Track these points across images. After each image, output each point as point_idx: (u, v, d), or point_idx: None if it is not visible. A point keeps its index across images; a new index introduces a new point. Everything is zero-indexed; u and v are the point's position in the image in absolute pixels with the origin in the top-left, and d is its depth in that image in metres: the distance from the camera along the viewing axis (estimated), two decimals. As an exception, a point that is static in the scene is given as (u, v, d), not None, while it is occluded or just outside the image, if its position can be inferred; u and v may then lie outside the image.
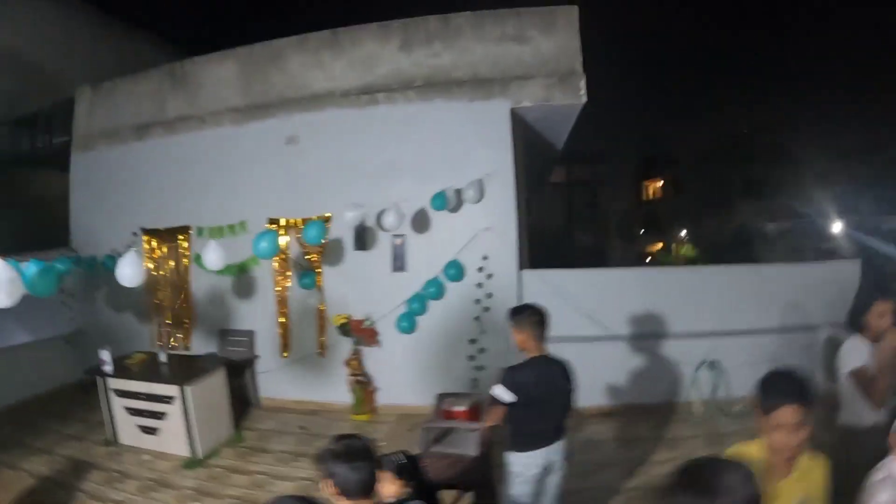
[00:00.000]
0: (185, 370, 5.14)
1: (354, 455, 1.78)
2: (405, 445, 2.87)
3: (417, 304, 5.65)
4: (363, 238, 5.76)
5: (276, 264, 6.17)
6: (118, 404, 5.12)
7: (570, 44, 5.64)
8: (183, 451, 4.80)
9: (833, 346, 3.01)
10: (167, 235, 6.70)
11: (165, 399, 4.84)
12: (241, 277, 6.35)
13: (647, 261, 27.03)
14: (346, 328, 5.79)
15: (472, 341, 5.67)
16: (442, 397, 4.15)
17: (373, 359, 5.91)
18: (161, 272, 6.79)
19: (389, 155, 5.76)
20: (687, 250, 22.57)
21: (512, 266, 5.60)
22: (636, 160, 31.38)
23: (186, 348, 6.60)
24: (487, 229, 5.53)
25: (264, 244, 4.51)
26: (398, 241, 5.80)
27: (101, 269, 5.93)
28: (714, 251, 20.59)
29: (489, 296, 5.61)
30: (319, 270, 6.07)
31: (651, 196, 32.05)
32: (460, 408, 3.86)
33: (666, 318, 5.57)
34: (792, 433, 1.67)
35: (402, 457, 2.24)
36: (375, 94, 5.87)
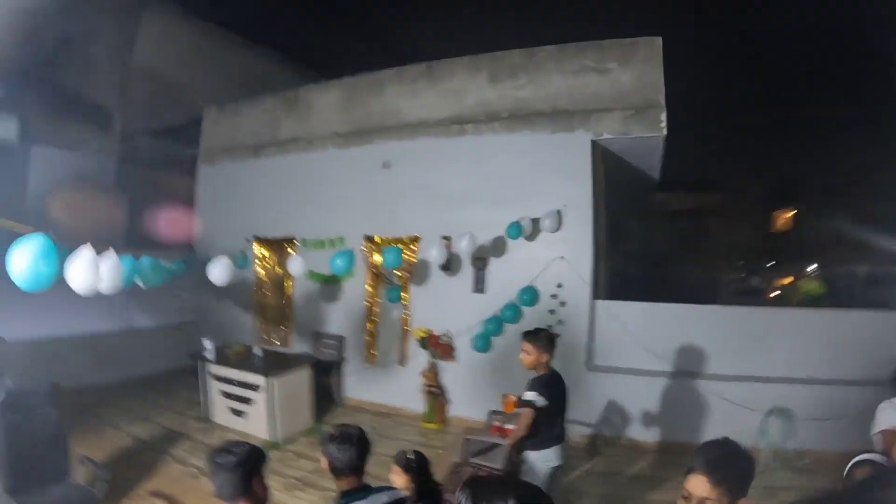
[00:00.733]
0: (275, 364, 5.94)
1: (345, 439, 2.25)
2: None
3: (493, 326, 6.07)
4: (447, 261, 6.32)
5: (368, 277, 6.87)
6: (214, 387, 6.06)
7: (651, 76, 5.73)
8: (264, 434, 5.57)
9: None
10: (275, 244, 7.62)
11: (254, 387, 5.66)
12: (336, 287, 7.12)
13: (774, 296, 25.33)
14: (425, 342, 6.34)
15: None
16: (493, 414, 4.55)
17: (448, 372, 6.41)
18: (268, 276, 7.75)
19: (474, 182, 6.23)
20: (814, 287, 20.98)
21: (585, 296, 5.85)
22: (756, 189, 29.32)
23: (285, 346, 7.49)
24: (562, 258, 5.83)
25: (339, 262, 5.21)
26: (479, 264, 6.27)
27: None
28: (844, 290, 19.01)
29: (560, 322, 5.89)
30: (406, 286, 6.69)
31: (778, 227, 29.88)
32: (508, 426, 4.24)
33: (735, 358, 5.58)
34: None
35: (412, 455, 2.64)
36: (464, 124, 6.39)
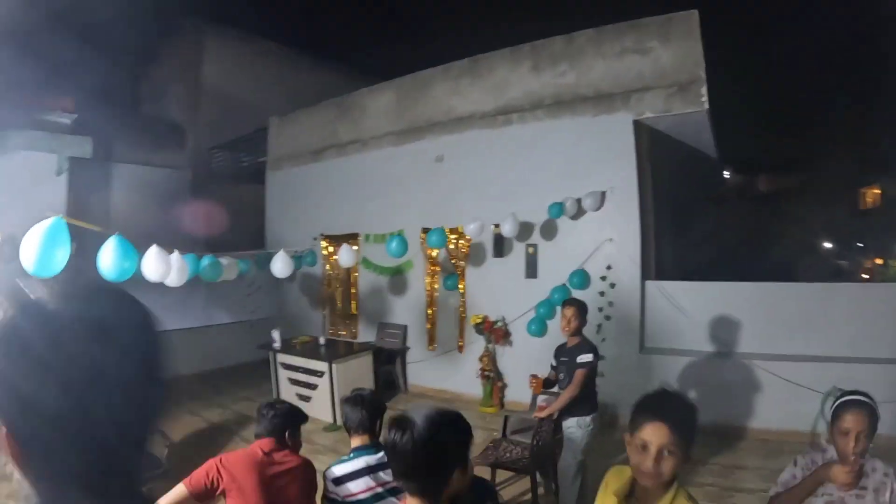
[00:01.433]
0: (337, 352, 6.51)
1: (356, 401, 2.60)
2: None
3: (545, 309, 6.35)
4: (500, 246, 6.71)
5: (427, 267, 7.35)
6: (283, 375, 6.69)
7: (689, 51, 5.77)
8: (327, 417, 6.11)
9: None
10: (340, 240, 8.24)
11: (318, 373, 6.24)
12: (398, 278, 7.65)
13: (865, 277, 23.99)
14: (481, 328, 6.72)
15: (601, 358, 6.22)
16: (539, 394, 4.87)
17: (505, 357, 6.76)
18: (335, 271, 8.39)
19: (521, 169, 6.57)
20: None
21: (635, 276, 6.03)
22: (841, 167, 27.77)
23: (353, 337, 8.08)
24: (610, 240, 6.06)
25: (394, 245, 5.92)
26: (530, 249, 6.60)
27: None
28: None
29: (611, 304, 6.10)
30: (462, 275, 7.11)
31: (865, 206, 28.17)
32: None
33: (793, 338, 5.54)
34: (643, 454, 1.57)
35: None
36: (510, 114, 6.74)
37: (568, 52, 6.47)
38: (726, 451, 5.14)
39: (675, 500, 1.58)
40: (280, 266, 5.79)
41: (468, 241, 6.93)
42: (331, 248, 8.39)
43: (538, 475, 4.10)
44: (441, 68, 7.37)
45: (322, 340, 6.81)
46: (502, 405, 6.62)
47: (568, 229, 6.30)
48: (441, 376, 7.24)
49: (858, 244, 26.53)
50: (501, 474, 4.25)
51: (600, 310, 6.16)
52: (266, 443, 2.58)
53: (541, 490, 4.16)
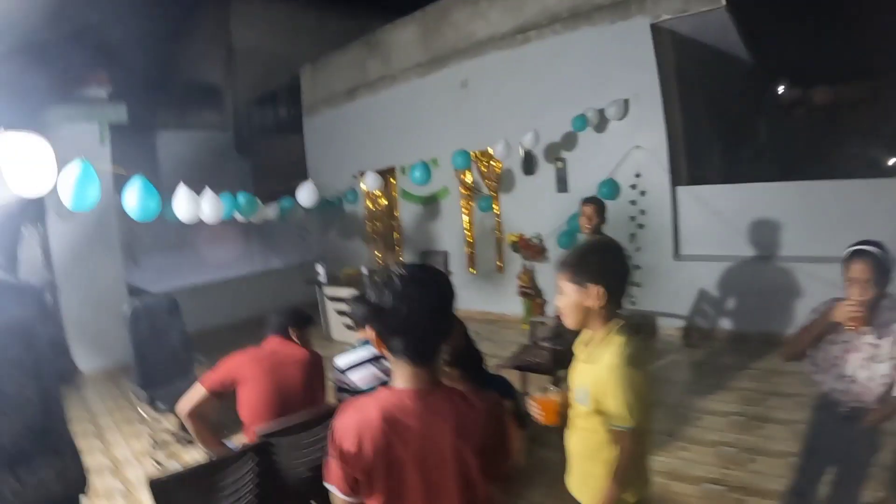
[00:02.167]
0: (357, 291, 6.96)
1: (361, 297, 2.95)
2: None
3: (576, 222, 6.62)
4: (530, 164, 6.98)
5: (462, 192, 7.72)
6: (330, 307, 7.23)
7: None
8: None
9: None
10: (380, 175, 8.69)
11: None
12: (436, 206, 8.09)
13: None
14: (517, 246, 7.04)
15: (627, 257, 6.44)
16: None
17: (543, 273, 7.08)
18: (376, 206, 8.90)
19: (544, 86, 6.74)
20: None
21: (665, 183, 6.14)
22: None
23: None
24: (637, 147, 6.21)
25: (417, 174, 6.43)
26: (559, 164, 6.83)
27: (330, 206, 8.16)
28: None
29: (643, 212, 6.26)
30: (496, 195, 7.43)
31: None
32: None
33: (837, 238, 5.35)
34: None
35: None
36: (528, 32, 6.88)
37: (582, -39, 6.50)
38: (766, 356, 5.23)
39: (609, 335, 1.80)
40: (305, 195, 6.32)
41: (499, 162, 7.21)
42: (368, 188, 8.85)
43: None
44: (458, -7, 7.56)
45: (365, 271, 7.32)
46: (543, 320, 7.03)
47: (595, 141, 6.45)
48: (484, 298, 7.67)
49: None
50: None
51: (632, 219, 6.34)
52: (273, 340, 2.99)
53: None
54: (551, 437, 2.46)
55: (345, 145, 9.21)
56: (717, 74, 7.85)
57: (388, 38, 8.51)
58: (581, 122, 6.12)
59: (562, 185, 6.87)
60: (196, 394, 2.71)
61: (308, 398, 2.86)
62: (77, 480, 1.94)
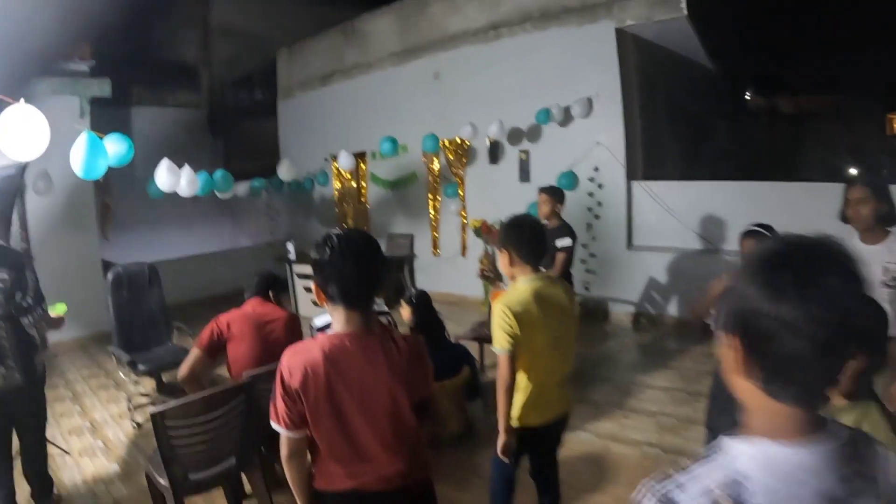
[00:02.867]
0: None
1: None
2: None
3: (536, 211, 7.04)
4: (495, 153, 7.37)
5: (429, 177, 8.06)
6: (298, 283, 7.55)
7: None
8: None
9: None
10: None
11: None
12: (404, 191, 8.39)
13: None
14: (479, 231, 7.42)
15: (584, 246, 6.73)
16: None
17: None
18: (346, 189, 9.18)
19: (512, 81, 7.10)
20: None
21: (620, 177, 6.58)
22: (870, 90, 26.77)
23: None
24: (598, 143, 6.63)
25: (387, 146, 7.01)
26: (523, 155, 7.23)
27: (299, 188, 8.42)
28: None
29: (600, 204, 6.70)
30: (461, 182, 7.80)
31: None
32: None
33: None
34: None
35: (415, 292, 3.76)
36: (500, 28, 7.25)
37: (554, -36, 6.88)
38: (706, 341, 5.49)
39: (514, 286, 2.48)
40: (285, 170, 6.80)
41: (466, 149, 7.58)
42: (341, 168, 9.12)
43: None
44: (435, -13, 7.90)
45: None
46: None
47: (558, 134, 6.85)
48: (446, 280, 8.02)
49: (884, 170, 26.01)
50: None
51: (589, 209, 6.77)
52: (254, 301, 3.29)
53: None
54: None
55: (318, 129, 9.45)
56: (677, 78, 8.36)
57: (366, 27, 8.79)
58: (544, 115, 6.53)
59: (524, 175, 7.27)
60: (191, 356, 3.00)
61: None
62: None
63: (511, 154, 7.31)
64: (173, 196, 5.55)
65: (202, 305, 8.05)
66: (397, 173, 8.00)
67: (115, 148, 3.45)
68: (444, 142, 7.61)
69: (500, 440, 2.29)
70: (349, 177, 9.09)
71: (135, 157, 3.64)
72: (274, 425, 1.61)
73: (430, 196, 8.14)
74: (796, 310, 0.69)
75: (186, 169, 5.24)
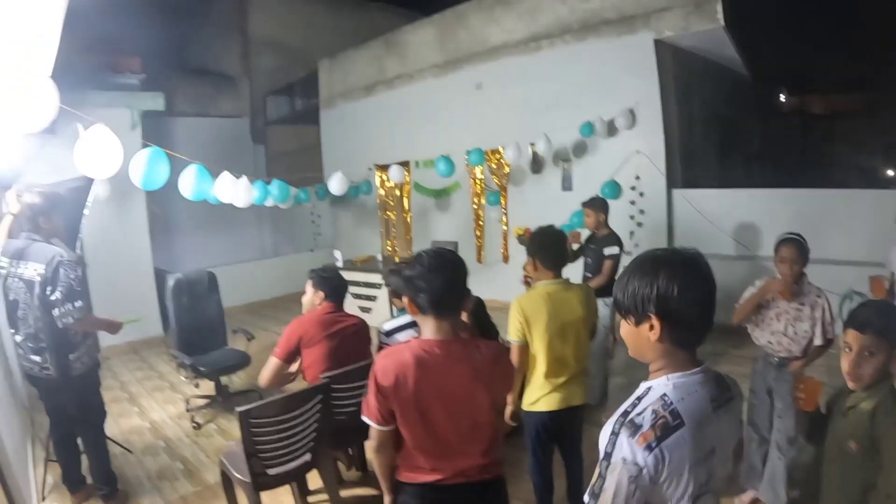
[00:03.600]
0: (393, 265, 7.53)
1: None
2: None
3: (579, 218, 7.17)
4: (537, 164, 7.57)
5: (472, 187, 8.30)
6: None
7: None
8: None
9: None
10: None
11: (375, 285, 7.32)
12: (447, 199, 8.66)
13: None
14: (523, 238, 7.60)
15: (627, 253, 7.00)
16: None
17: (546, 264, 7.67)
18: (389, 197, 9.49)
19: (553, 92, 7.28)
20: None
21: (661, 186, 6.71)
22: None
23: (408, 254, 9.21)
24: (637, 152, 6.77)
25: (441, 166, 7.08)
26: (565, 165, 7.41)
27: (344, 197, 8.73)
28: None
29: (642, 212, 6.84)
30: (503, 191, 8.01)
31: None
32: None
33: (813, 242, 5.83)
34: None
35: (473, 299, 3.86)
36: (540, 41, 7.43)
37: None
38: (743, 345, 5.63)
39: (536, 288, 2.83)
40: (336, 184, 6.91)
41: (507, 162, 7.80)
42: (384, 177, 9.41)
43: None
44: (475, 1, 8.11)
45: (379, 257, 7.89)
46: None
47: (599, 144, 7.01)
48: (489, 286, 8.21)
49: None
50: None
51: (632, 217, 6.90)
52: (328, 306, 3.38)
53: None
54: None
55: (361, 138, 9.78)
56: (715, 86, 8.42)
57: (407, 38, 9.07)
58: (588, 128, 6.67)
59: (566, 183, 7.44)
60: (271, 365, 3.15)
61: (359, 357, 3.34)
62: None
63: (553, 164, 7.49)
64: (211, 204, 5.65)
65: (249, 311, 8.46)
66: (440, 182, 8.25)
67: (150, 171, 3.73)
68: (486, 152, 7.83)
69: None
70: (393, 185, 9.39)
71: (180, 163, 3.89)
72: (365, 419, 1.80)
73: (473, 204, 8.37)
74: (689, 294, 1.16)
75: (244, 181, 5.47)
